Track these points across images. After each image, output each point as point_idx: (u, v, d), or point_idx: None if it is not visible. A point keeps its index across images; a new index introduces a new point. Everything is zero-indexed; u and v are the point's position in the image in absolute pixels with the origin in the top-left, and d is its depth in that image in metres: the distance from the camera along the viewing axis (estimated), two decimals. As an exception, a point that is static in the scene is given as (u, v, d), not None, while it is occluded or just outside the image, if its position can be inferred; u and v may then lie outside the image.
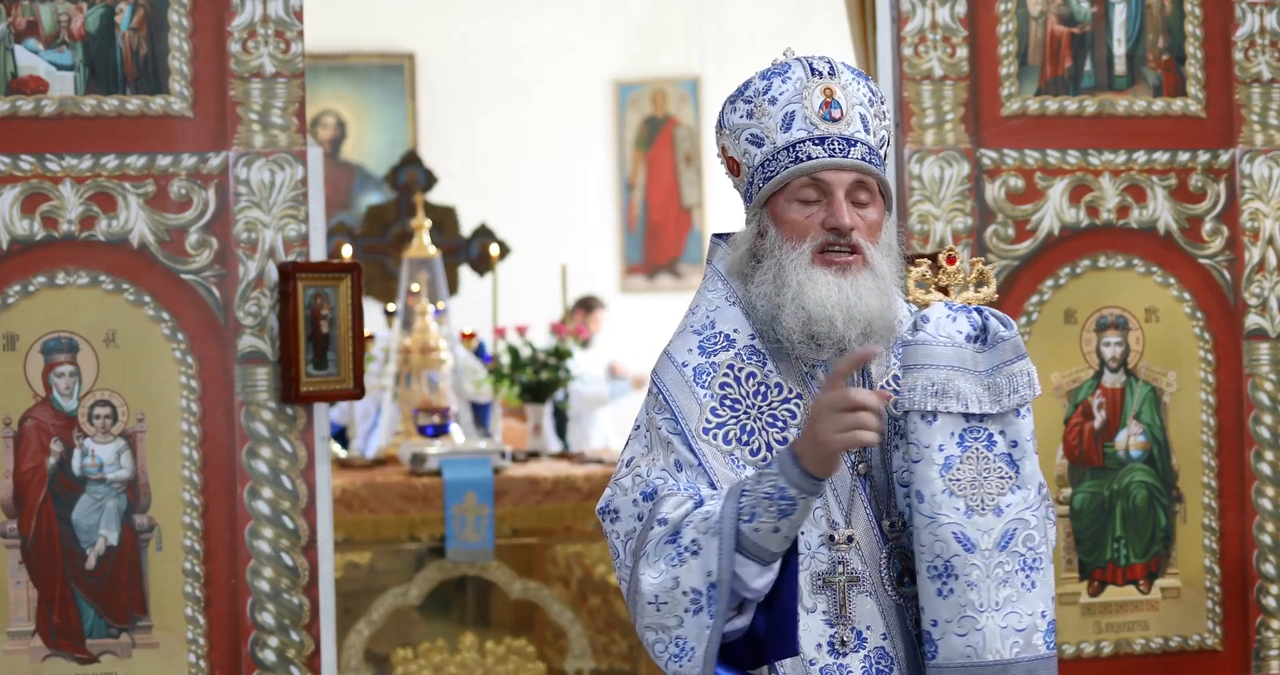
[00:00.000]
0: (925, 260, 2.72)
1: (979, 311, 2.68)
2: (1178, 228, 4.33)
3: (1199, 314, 4.33)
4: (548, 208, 11.78)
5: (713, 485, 2.63)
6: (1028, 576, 2.62)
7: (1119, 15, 4.31)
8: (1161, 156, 4.32)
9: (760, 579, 2.56)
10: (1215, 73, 4.35)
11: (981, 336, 2.66)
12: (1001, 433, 2.64)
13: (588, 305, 10.95)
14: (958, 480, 2.61)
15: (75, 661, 3.81)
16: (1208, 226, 4.35)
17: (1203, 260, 4.34)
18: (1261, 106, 4.36)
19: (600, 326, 10.91)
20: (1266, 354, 4.36)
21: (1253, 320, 4.35)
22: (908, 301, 2.73)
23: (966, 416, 2.63)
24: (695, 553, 2.55)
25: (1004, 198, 4.24)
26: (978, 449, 2.63)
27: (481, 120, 11.82)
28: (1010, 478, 2.63)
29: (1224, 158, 4.35)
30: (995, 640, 2.59)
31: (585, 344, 8.63)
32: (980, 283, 2.72)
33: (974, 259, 2.74)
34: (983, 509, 2.61)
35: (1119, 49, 4.31)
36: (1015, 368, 2.65)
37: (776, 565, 2.55)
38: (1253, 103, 4.36)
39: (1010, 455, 2.64)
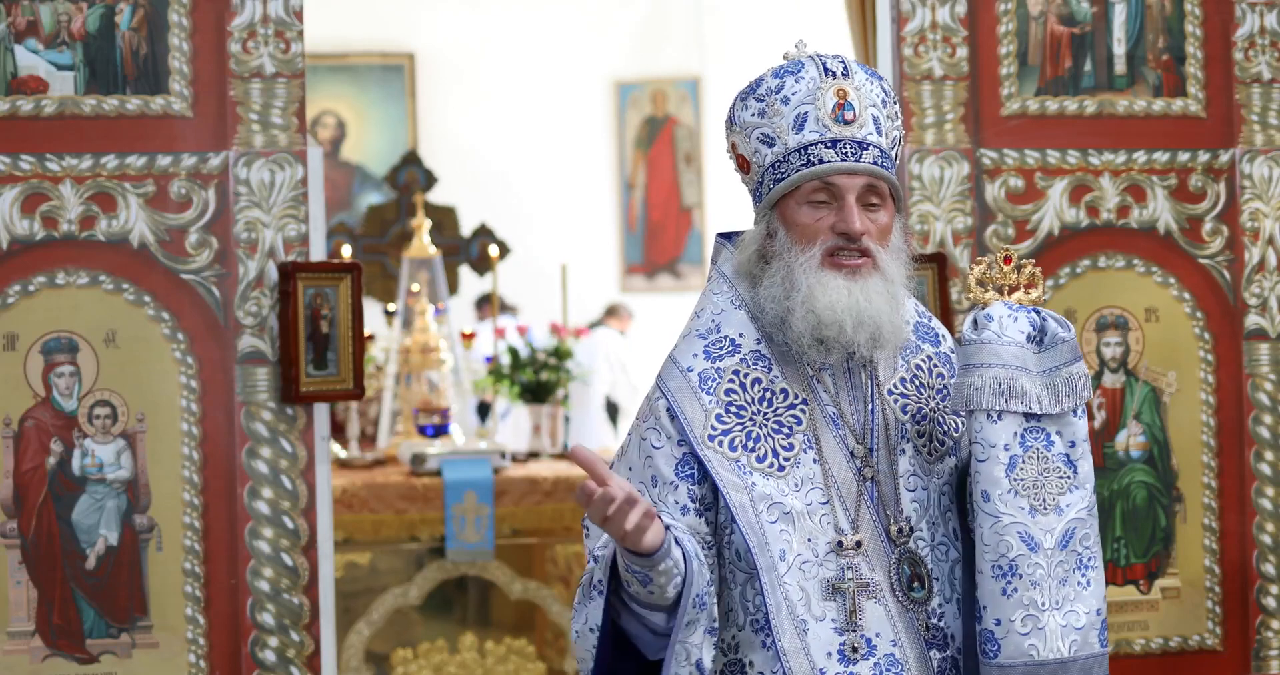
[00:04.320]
0: (984, 260, 2.73)
1: (1037, 312, 2.68)
2: (1178, 228, 4.33)
3: (1199, 314, 4.33)
4: (548, 208, 11.79)
5: (684, 505, 2.64)
6: (1084, 575, 2.64)
7: (1119, 15, 4.31)
8: (1161, 156, 4.33)
9: (670, 621, 2.60)
10: (1215, 73, 4.35)
11: (1039, 337, 2.66)
12: (1059, 433, 2.66)
13: (615, 312, 11.05)
14: (1021, 480, 2.63)
15: (75, 661, 3.81)
16: (1208, 226, 4.35)
17: (1203, 260, 4.34)
18: (1261, 106, 4.36)
19: (627, 328, 10.99)
20: (1266, 354, 4.36)
21: (1253, 320, 4.35)
22: (968, 299, 2.73)
23: (1026, 416, 2.64)
24: (600, 593, 2.61)
25: (1004, 198, 4.24)
26: (1038, 449, 2.64)
27: (481, 120, 11.83)
28: (1069, 477, 2.64)
29: (1224, 158, 4.35)
30: (1056, 638, 2.61)
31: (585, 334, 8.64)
32: (1031, 285, 2.73)
33: (1024, 261, 2.74)
34: (1045, 508, 2.62)
35: (1119, 49, 4.31)
36: (1074, 369, 2.66)
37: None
38: (1253, 103, 4.36)
39: (1068, 455, 2.65)
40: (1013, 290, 2.72)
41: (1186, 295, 4.33)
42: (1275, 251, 4.36)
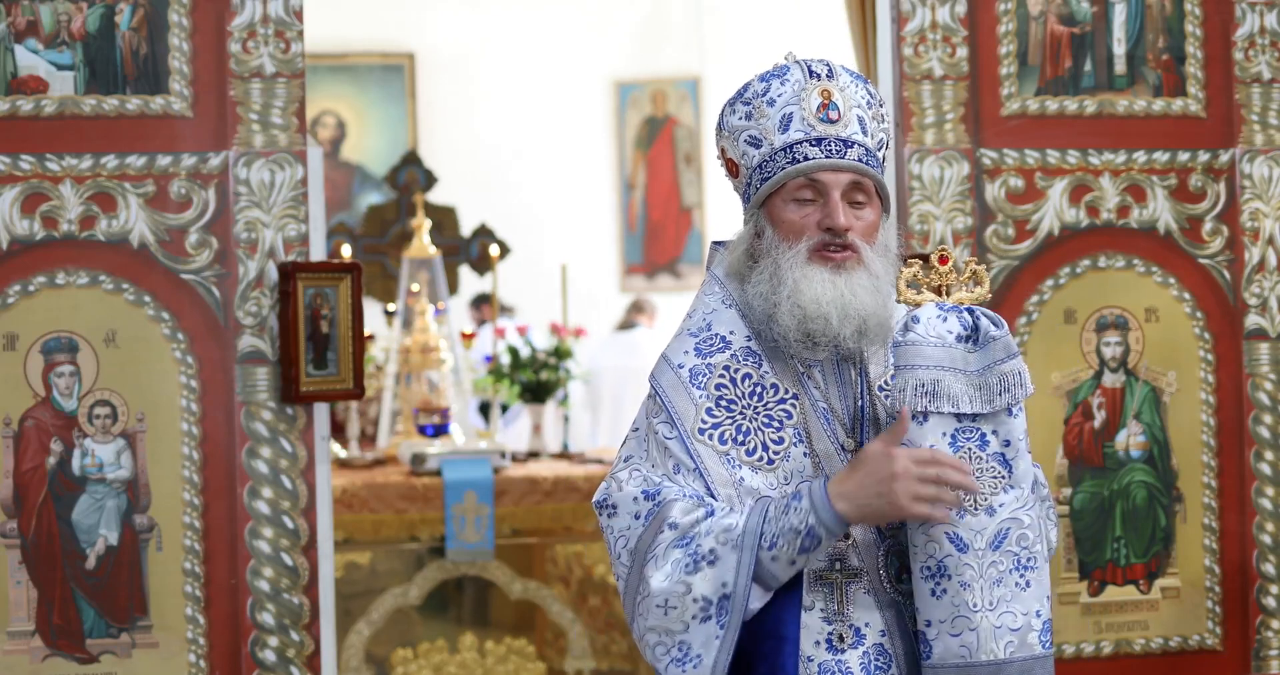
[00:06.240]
0: (917, 261, 2.72)
1: (970, 311, 2.67)
2: (1178, 228, 4.33)
3: (1199, 314, 4.33)
4: (548, 208, 11.78)
5: (709, 489, 2.65)
6: (1022, 576, 2.62)
7: (1119, 15, 4.31)
8: (1161, 156, 4.33)
9: (758, 602, 2.60)
10: (1215, 73, 4.35)
11: (973, 336, 2.65)
12: (994, 432, 2.64)
13: (643, 307, 11.03)
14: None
15: (75, 661, 3.81)
16: (1208, 226, 4.35)
17: (1203, 260, 4.34)
18: (1261, 106, 4.37)
19: (654, 323, 10.98)
20: (1266, 354, 4.36)
21: (1253, 320, 4.35)
22: (899, 302, 2.73)
23: (959, 416, 2.63)
24: (712, 562, 2.58)
25: (1004, 198, 4.24)
26: (970, 449, 2.62)
27: (481, 120, 11.83)
28: (1003, 477, 2.63)
29: (1224, 158, 4.35)
30: (989, 640, 2.59)
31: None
32: (975, 282, 2.72)
33: (968, 259, 2.74)
34: (975, 509, 2.61)
35: (1119, 49, 4.31)
36: (1007, 367, 2.64)
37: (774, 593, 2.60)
38: (1253, 103, 4.36)
39: (1003, 455, 2.64)
40: (951, 290, 2.71)
41: (1186, 295, 4.33)
42: (1275, 251, 4.36)
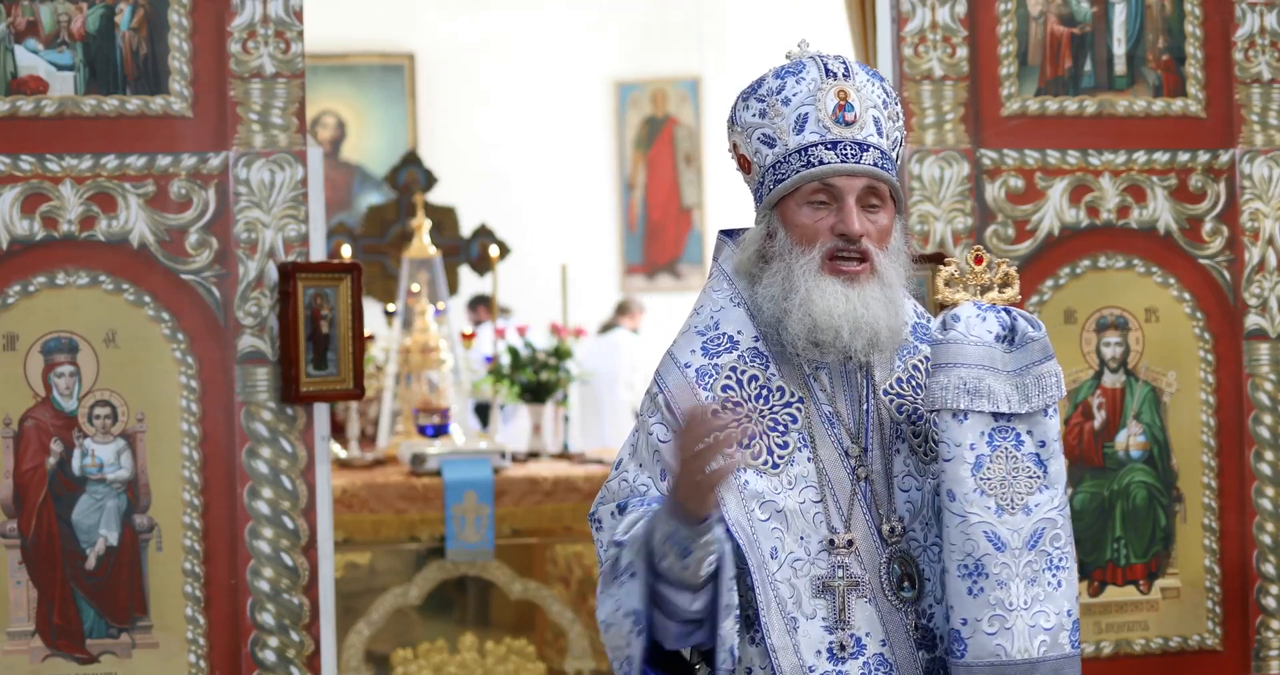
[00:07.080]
0: (954, 260, 2.72)
1: (1008, 312, 2.68)
2: (1178, 228, 4.33)
3: (1199, 314, 4.33)
4: (548, 208, 11.79)
5: None
6: (1054, 575, 2.63)
7: (1119, 15, 4.31)
8: (1161, 156, 4.33)
9: (696, 603, 2.57)
10: (1215, 73, 4.35)
11: (1009, 337, 2.66)
12: (1029, 432, 2.65)
13: (627, 309, 11.02)
14: (988, 479, 2.61)
15: (75, 661, 3.81)
16: (1208, 226, 4.35)
17: (1203, 260, 4.35)
18: (1261, 106, 4.37)
19: (639, 324, 10.98)
20: (1266, 354, 4.36)
21: (1253, 320, 4.35)
22: (936, 300, 2.73)
23: (995, 416, 2.63)
24: (633, 575, 2.59)
25: (1004, 198, 4.24)
26: (1007, 448, 2.63)
27: (481, 120, 11.84)
28: (1039, 477, 2.64)
29: (1224, 158, 4.35)
30: (1024, 639, 2.60)
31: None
32: (1005, 284, 2.72)
33: (999, 261, 2.74)
34: (1013, 508, 2.61)
35: (1119, 49, 4.31)
36: (1044, 368, 2.65)
37: (710, 587, 2.57)
38: (1253, 103, 4.36)
39: (1038, 455, 2.65)
40: (985, 290, 2.71)
41: (1186, 295, 4.33)
42: (1275, 251, 4.37)
